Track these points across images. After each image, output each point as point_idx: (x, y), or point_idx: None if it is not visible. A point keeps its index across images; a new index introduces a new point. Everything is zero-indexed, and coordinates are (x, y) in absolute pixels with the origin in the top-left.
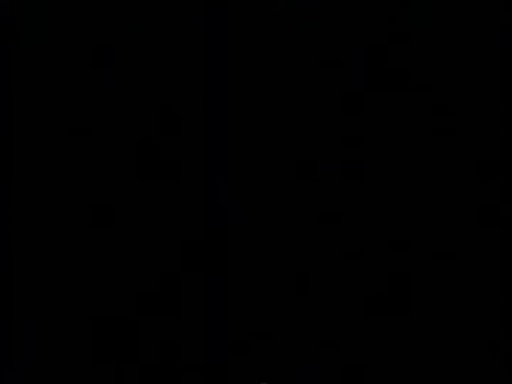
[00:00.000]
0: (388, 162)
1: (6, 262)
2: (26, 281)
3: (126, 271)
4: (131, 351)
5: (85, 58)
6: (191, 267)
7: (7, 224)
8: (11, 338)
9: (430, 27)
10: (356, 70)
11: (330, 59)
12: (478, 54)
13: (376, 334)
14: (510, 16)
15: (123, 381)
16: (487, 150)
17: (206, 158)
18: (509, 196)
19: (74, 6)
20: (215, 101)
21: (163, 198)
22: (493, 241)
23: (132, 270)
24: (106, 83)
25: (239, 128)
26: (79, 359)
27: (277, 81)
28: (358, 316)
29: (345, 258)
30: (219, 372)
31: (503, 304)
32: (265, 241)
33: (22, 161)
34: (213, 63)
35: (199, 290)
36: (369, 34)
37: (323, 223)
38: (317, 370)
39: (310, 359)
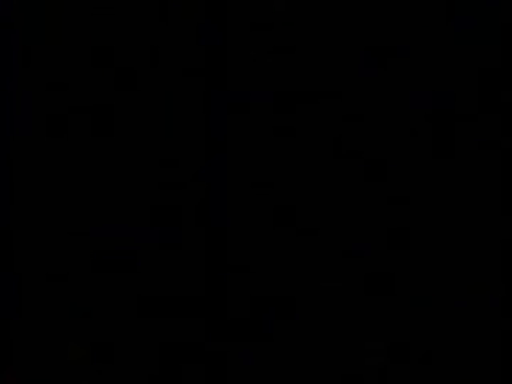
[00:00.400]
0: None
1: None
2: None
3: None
4: (129, 351)
5: (85, 57)
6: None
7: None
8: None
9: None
10: (359, 67)
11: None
12: None
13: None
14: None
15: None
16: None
17: (206, 158)
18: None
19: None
20: (216, 101)
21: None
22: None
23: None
24: (106, 83)
25: (239, 128)
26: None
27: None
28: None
29: (344, 257)
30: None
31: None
32: (263, 240)
33: (21, 156)
34: (213, 63)
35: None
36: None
37: (322, 222)
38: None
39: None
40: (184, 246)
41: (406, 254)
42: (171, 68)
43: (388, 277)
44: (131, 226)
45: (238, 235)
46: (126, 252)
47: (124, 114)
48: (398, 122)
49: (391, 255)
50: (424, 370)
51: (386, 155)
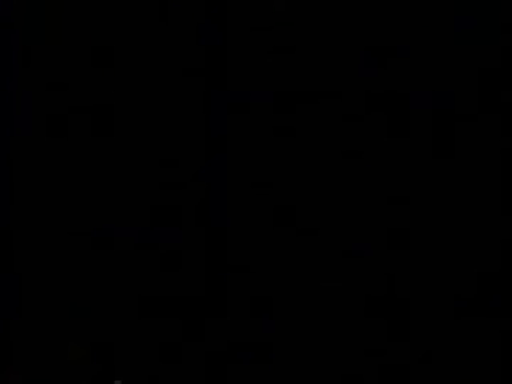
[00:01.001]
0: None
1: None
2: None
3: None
4: (129, 351)
5: (84, 57)
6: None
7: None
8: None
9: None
10: (361, 69)
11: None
12: None
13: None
14: None
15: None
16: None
17: (206, 158)
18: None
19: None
20: (216, 101)
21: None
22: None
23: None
24: (106, 83)
25: (239, 128)
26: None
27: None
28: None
29: (344, 257)
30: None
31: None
32: (263, 241)
33: (21, 156)
34: (213, 63)
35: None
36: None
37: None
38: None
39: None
40: (184, 246)
41: (405, 254)
42: (171, 68)
43: (388, 276)
44: (131, 226)
45: (237, 235)
46: (126, 252)
47: (124, 113)
48: (398, 122)
49: (391, 255)
50: (424, 370)
51: (385, 155)
